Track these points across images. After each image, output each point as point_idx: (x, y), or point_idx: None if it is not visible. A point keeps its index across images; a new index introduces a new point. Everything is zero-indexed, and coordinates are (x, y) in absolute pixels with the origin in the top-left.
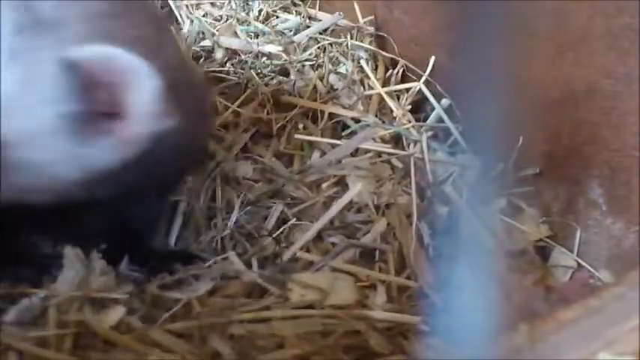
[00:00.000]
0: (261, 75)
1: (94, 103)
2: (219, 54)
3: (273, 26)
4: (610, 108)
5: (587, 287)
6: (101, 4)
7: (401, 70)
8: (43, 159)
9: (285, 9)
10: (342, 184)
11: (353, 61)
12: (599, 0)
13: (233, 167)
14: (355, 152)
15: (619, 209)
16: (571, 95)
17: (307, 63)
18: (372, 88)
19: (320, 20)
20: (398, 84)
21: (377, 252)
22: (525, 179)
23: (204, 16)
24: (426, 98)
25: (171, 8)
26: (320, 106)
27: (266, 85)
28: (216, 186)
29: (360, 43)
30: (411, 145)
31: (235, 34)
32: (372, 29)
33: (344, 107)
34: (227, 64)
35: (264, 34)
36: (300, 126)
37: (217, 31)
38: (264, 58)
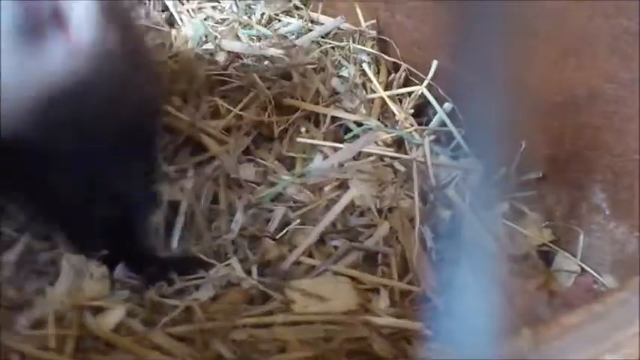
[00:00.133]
0: (263, 78)
1: (38, 10)
2: (221, 57)
3: (275, 30)
4: (612, 112)
5: (591, 292)
6: None
7: (403, 74)
8: None
9: (288, 12)
10: (344, 187)
11: (355, 64)
12: (599, 0)
13: (235, 170)
14: (357, 156)
15: (622, 214)
16: (573, 100)
17: (309, 66)
18: (375, 92)
19: (322, 24)
20: (400, 87)
21: (379, 256)
22: (528, 183)
23: (205, 19)
24: (428, 102)
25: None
26: (322, 109)
27: (268, 88)
28: (219, 188)
29: (363, 47)
30: (414, 148)
31: (238, 38)
32: (374, 33)
33: (346, 111)
34: (229, 68)
35: (266, 37)
36: (303, 129)
37: (219, 34)
38: (267, 62)
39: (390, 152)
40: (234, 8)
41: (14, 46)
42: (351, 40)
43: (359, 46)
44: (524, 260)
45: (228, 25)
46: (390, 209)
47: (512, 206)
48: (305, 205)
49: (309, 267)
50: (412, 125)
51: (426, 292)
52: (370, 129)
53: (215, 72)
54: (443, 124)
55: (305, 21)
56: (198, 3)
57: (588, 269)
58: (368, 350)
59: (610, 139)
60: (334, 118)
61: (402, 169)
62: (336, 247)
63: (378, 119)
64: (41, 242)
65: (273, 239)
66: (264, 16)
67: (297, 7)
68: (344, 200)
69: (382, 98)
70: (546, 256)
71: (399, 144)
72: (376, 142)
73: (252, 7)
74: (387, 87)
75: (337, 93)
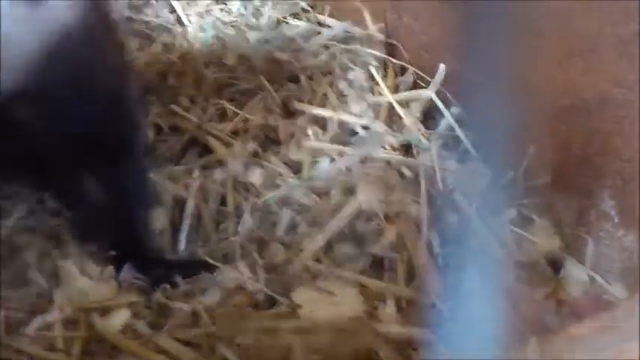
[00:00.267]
0: (270, 81)
1: None
2: (229, 59)
3: (283, 32)
4: (622, 117)
5: (600, 302)
6: None
7: (411, 78)
8: None
9: (295, 15)
10: (351, 191)
11: (363, 68)
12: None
13: (242, 173)
14: (364, 160)
15: (631, 221)
16: (582, 104)
17: (317, 70)
18: (382, 96)
19: (330, 27)
20: (408, 91)
21: (386, 261)
22: (536, 189)
23: (213, 22)
24: (436, 106)
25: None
26: (329, 113)
27: (276, 91)
28: (227, 191)
29: (370, 50)
30: (421, 153)
31: (246, 40)
32: (381, 36)
33: (353, 114)
34: (237, 70)
35: (274, 40)
36: (310, 132)
37: (227, 36)
38: (274, 65)
39: (397, 156)
40: (243, 10)
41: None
42: (358, 44)
43: (366, 50)
44: (531, 268)
45: (236, 27)
46: (397, 214)
47: (520, 212)
48: (311, 209)
49: (316, 272)
50: (419, 129)
51: (432, 298)
52: (377, 133)
53: (223, 74)
54: (451, 128)
55: (313, 24)
56: (207, 5)
57: (597, 277)
58: (374, 357)
59: (620, 144)
60: (341, 122)
61: (409, 173)
62: (342, 253)
63: (386, 123)
64: (47, 244)
65: (281, 243)
66: (272, 19)
67: (304, 10)
68: (351, 205)
69: (389, 102)
70: (554, 264)
71: (406, 148)
72: (383, 147)
73: (260, 9)
74: (395, 91)
75: (344, 96)
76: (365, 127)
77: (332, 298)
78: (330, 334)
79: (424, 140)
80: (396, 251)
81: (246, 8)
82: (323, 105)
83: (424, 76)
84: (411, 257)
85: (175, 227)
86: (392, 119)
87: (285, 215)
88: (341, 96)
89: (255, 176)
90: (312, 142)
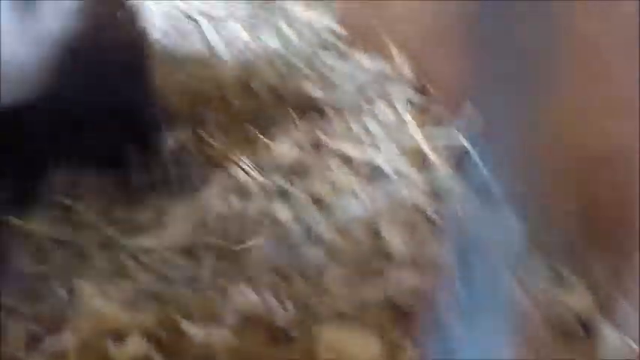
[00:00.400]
0: (299, 113)
1: None
2: (258, 88)
3: (312, 64)
4: None
5: None
6: None
7: (441, 117)
8: None
9: (326, 47)
10: (375, 231)
11: (391, 105)
12: None
13: (266, 206)
14: (391, 200)
15: None
16: (615, 156)
17: (345, 104)
18: (411, 135)
19: (359, 61)
20: (437, 131)
21: (409, 307)
22: (571, 246)
23: (243, 49)
24: (467, 150)
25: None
26: (357, 150)
27: (303, 123)
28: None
29: (399, 89)
30: (450, 197)
31: (276, 70)
32: (411, 75)
33: (381, 152)
34: (266, 99)
35: (303, 71)
36: (336, 169)
37: (256, 65)
38: (303, 96)
39: (424, 199)
40: (273, 39)
41: (11, 10)
42: (388, 80)
43: (396, 88)
44: (561, 327)
45: (267, 56)
46: (422, 259)
47: (552, 268)
48: (335, 246)
49: (339, 313)
50: (449, 173)
51: (455, 354)
52: (404, 174)
53: (251, 102)
54: (482, 174)
55: (343, 57)
56: (237, 32)
57: (631, 342)
58: None
59: None
60: (368, 160)
61: (435, 217)
62: (366, 296)
63: (414, 164)
64: (69, 258)
65: (304, 277)
66: (302, 50)
67: (334, 44)
68: (374, 245)
69: (418, 142)
70: (586, 326)
71: (434, 190)
72: (410, 188)
73: (291, 38)
74: (424, 130)
75: (372, 133)
76: (392, 167)
77: (351, 343)
78: None
79: (453, 183)
80: (420, 297)
81: (276, 37)
82: (350, 141)
83: (453, 116)
84: (434, 306)
85: None
86: (420, 160)
87: (310, 251)
88: (368, 132)
89: (281, 210)
90: (338, 178)
